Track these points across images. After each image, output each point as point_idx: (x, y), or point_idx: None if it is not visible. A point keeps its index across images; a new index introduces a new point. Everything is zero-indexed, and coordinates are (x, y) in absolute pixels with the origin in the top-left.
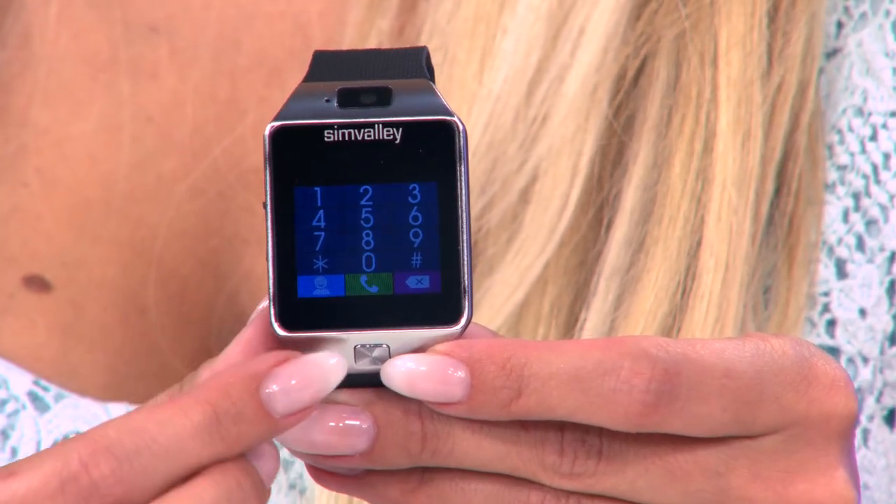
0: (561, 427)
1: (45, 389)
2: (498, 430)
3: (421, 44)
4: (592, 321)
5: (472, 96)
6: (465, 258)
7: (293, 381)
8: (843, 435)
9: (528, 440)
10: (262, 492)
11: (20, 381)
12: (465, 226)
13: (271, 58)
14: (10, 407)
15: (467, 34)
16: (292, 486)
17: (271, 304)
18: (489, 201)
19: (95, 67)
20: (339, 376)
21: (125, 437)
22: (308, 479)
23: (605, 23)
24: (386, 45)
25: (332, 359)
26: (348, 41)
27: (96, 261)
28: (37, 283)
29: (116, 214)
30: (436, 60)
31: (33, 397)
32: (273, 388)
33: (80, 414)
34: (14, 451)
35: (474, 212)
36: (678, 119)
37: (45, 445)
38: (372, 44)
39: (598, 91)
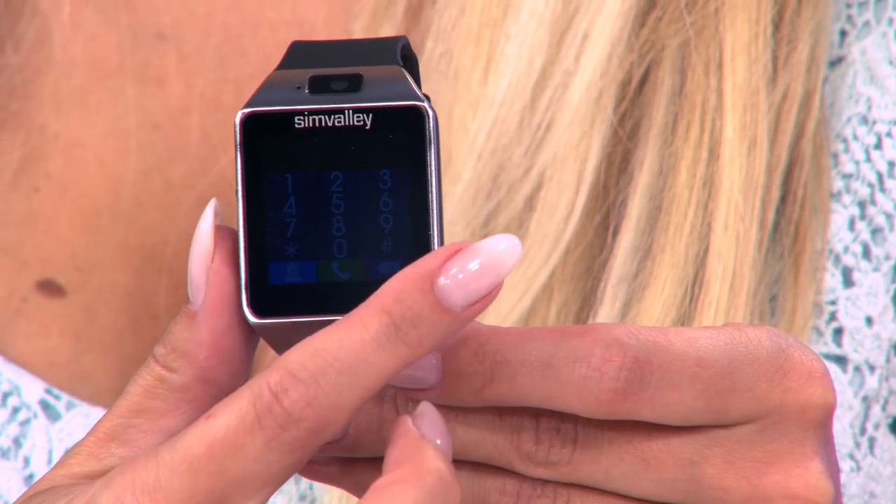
0: (536, 415)
1: (57, 398)
2: (473, 417)
3: (426, 50)
4: None
5: (477, 102)
6: (436, 244)
7: (466, 274)
8: (819, 426)
9: (503, 428)
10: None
11: (32, 389)
12: (435, 211)
13: (276, 65)
14: (22, 415)
15: (472, 40)
16: (303, 497)
17: (243, 290)
18: (495, 208)
19: (104, 73)
20: (514, 256)
21: (308, 360)
22: (318, 490)
23: (610, 29)
24: None
25: (504, 242)
26: None
27: (108, 266)
28: (50, 288)
29: (126, 220)
30: (441, 67)
31: (45, 406)
32: (447, 282)
33: (90, 423)
34: (27, 461)
35: (480, 218)
36: (684, 126)
37: (56, 455)
38: None
39: (603, 98)
